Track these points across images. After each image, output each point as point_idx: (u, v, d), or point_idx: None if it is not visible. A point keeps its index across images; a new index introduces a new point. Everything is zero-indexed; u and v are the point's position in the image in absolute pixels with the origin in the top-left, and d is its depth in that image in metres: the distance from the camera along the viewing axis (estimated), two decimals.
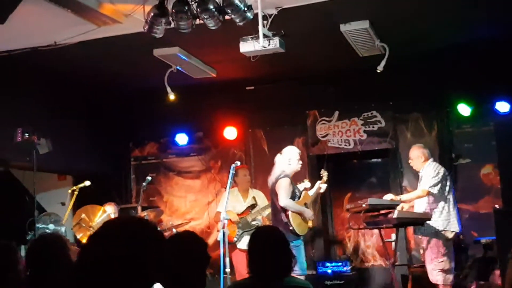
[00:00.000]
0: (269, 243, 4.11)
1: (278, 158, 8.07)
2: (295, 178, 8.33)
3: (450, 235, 8.02)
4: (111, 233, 2.04)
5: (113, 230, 2.06)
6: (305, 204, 8.05)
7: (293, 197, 7.86)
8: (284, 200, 7.72)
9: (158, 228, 2.15)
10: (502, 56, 8.75)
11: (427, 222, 7.94)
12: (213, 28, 6.53)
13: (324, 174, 8.49)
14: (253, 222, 8.61)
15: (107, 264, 1.94)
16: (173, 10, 6.42)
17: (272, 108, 10.39)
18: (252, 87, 10.46)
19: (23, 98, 8.90)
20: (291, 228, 7.56)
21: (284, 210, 7.74)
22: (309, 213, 7.92)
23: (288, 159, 8.00)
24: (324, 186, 8.41)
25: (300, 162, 8.13)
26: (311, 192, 8.26)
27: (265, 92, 10.37)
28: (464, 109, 9.53)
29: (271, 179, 7.99)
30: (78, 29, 7.44)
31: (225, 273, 7.62)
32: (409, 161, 8.60)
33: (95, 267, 1.95)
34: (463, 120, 9.74)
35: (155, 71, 8.93)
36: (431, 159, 8.37)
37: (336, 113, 10.30)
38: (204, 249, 3.60)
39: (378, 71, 8.23)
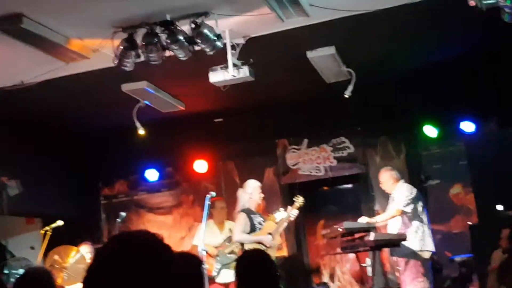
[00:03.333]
0: (256, 266, 4.11)
1: (240, 193, 8.36)
2: (270, 209, 8.41)
3: (426, 255, 8.08)
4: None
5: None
6: (270, 234, 8.08)
7: (252, 229, 8.07)
8: (237, 236, 8.09)
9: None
10: (464, 76, 8.93)
11: (403, 242, 8.00)
12: (183, 59, 6.57)
13: (298, 200, 8.44)
14: (231, 255, 8.47)
15: None
16: (143, 43, 6.46)
17: (242, 139, 10.42)
18: (221, 119, 10.48)
19: None
20: None
21: (241, 244, 8.01)
22: (268, 240, 7.96)
23: (250, 193, 8.29)
24: (294, 213, 8.40)
25: (262, 194, 8.39)
26: (279, 217, 8.28)
27: (234, 123, 10.39)
28: (430, 131, 9.69)
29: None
30: (45, 67, 7.40)
31: None
32: (380, 184, 8.71)
33: None
34: (430, 142, 9.89)
35: (123, 107, 8.86)
36: (402, 180, 8.47)
37: (305, 141, 10.37)
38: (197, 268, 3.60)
39: (346, 96, 8.31)
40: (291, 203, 8.55)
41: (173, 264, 1.91)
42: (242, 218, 8.10)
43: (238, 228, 8.08)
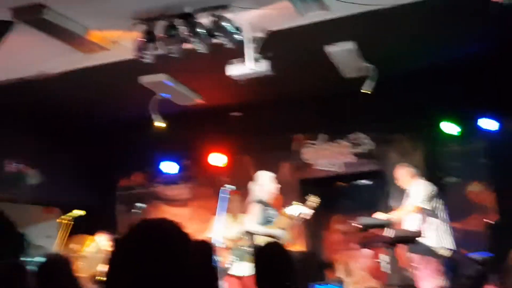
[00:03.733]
0: (274, 259, 4.12)
1: (251, 185, 8.35)
2: (285, 204, 8.37)
3: (444, 252, 8.04)
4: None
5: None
6: (282, 229, 8.06)
7: (265, 221, 8.04)
8: (249, 226, 8.04)
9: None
10: (486, 73, 8.85)
11: (421, 239, 7.96)
12: (202, 51, 6.56)
13: (314, 200, 8.37)
14: (245, 248, 8.46)
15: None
16: (162, 35, 6.46)
17: (258, 134, 10.40)
18: (238, 113, 10.48)
19: (9, 129, 8.83)
20: None
21: (252, 235, 7.97)
22: (279, 235, 7.94)
23: (261, 184, 8.26)
24: (309, 213, 8.32)
25: (278, 185, 8.33)
26: (292, 212, 8.22)
27: (251, 117, 10.38)
28: (450, 128, 9.62)
29: None
30: (65, 58, 7.45)
31: None
32: (396, 181, 8.68)
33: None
34: (450, 139, 9.81)
35: (141, 100, 8.88)
36: (420, 177, 8.43)
37: (322, 136, 10.35)
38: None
39: (365, 92, 8.25)
40: (307, 198, 8.53)
41: (190, 255, 1.92)
42: (256, 209, 8.10)
43: (251, 218, 8.06)
